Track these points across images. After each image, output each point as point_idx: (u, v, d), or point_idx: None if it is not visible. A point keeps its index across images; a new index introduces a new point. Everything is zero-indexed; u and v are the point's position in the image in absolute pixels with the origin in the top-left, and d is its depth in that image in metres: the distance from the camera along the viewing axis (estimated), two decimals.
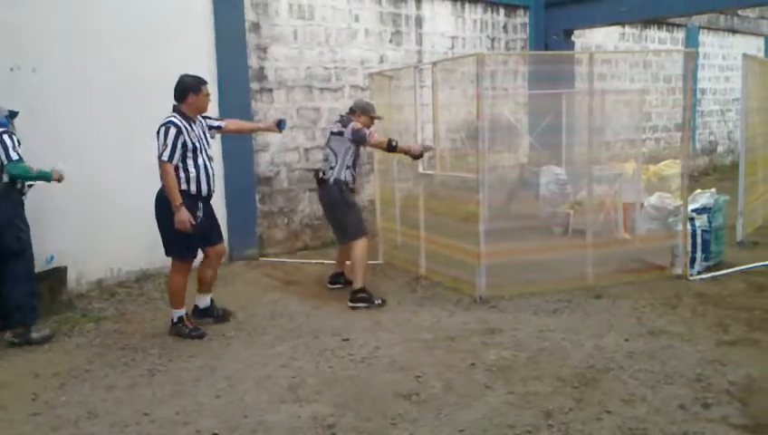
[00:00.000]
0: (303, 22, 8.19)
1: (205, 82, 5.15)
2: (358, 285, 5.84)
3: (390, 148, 5.97)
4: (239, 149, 7.59)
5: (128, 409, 3.96)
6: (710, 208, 6.64)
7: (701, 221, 6.52)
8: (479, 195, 5.87)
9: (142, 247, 6.82)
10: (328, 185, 5.95)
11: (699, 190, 6.99)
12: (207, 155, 5.13)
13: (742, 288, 5.98)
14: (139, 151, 6.49)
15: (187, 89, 5.03)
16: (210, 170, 5.12)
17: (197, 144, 5.00)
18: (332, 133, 6.03)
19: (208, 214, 5.23)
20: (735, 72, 13.79)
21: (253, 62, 7.73)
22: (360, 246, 5.88)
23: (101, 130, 6.51)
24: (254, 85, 7.80)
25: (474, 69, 5.80)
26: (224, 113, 7.37)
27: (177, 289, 5.15)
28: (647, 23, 13.08)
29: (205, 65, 7.22)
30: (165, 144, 4.84)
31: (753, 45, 16.18)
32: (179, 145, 4.87)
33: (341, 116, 6.21)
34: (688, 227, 6.37)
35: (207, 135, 5.23)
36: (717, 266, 6.60)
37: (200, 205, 5.07)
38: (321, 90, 8.41)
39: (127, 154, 6.60)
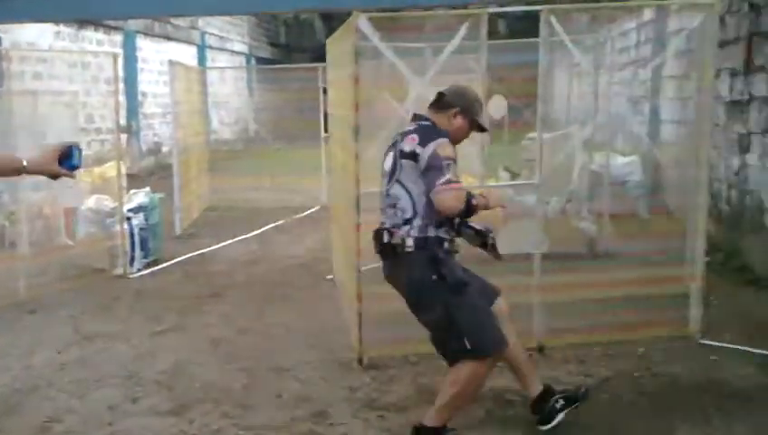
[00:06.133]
0: None
1: None
2: (439, 421, 3.15)
3: (469, 211, 3.21)
4: None
5: None
6: (146, 207, 6.91)
7: (138, 220, 6.72)
8: None
9: None
10: (403, 252, 3.16)
11: (134, 190, 7.21)
12: None
13: (177, 278, 6.42)
14: None
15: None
16: None
17: None
18: (402, 155, 3.16)
19: None
20: None
21: None
22: (475, 367, 3.07)
23: None
24: None
25: None
26: None
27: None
28: (82, 23, 12.82)
29: None
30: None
31: (188, 53, 17.60)
32: None
33: (418, 117, 3.35)
34: (126, 226, 6.51)
35: None
36: (156, 262, 6.89)
37: None
38: None
39: None
